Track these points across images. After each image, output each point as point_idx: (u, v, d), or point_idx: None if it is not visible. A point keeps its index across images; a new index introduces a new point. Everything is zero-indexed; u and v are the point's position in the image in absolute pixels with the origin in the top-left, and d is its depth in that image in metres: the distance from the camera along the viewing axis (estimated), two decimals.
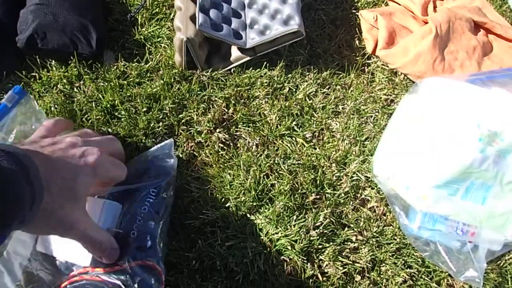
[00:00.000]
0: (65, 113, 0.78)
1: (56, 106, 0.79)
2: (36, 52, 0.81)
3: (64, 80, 0.81)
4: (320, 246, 0.73)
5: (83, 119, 0.78)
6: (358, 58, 0.93)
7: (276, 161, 0.79)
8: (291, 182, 0.77)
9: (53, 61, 0.83)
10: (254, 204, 0.75)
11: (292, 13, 0.80)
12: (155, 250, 0.63)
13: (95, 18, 0.84)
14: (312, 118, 0.84)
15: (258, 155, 0.79)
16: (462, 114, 0.73)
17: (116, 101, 0.80)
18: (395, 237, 0.76)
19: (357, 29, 0.96)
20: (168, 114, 0.81)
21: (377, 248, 0.74)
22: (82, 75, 0.82)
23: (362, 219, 0.77)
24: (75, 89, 0.81)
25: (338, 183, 0.79)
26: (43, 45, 0.79)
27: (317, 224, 0.74)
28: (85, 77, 0.82)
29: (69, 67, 0.82)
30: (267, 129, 0.82)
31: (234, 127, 0.82)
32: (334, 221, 0.75)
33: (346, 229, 0.75)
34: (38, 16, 0.79)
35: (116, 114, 0.80)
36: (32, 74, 0.81)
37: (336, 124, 0.85)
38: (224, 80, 0.85)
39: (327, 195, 0.78)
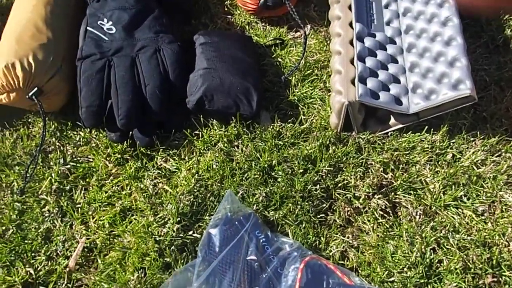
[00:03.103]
0: (225, 170, 0.85)
1: (216, 163, 0.87)
2: (202, 112, 0.91)
3: (225, 139, 0.90)
4: None
5: (242, 178, 0.85)
6: None
7: (443, 234, 0.77)
8: (461, 259, 0.74)
9: (214, 120, 0.92)
10: (422, 281, 0.73)
11: (463, 77, 0.81)
12: None
13: (255, 80, 0.93)
14: (482, 188, 0.81)
15: (423, 226, 0.78)
16: None
17: (274, 161, 0.86)
18: None
19: None
20: (324, 176, 0.84)
21: None
22: (241, 134, 0.90)
23: None
24: (234, 148, 0.89)
25: None
26: (210, 106, 0.89)
27: None
28: (244, 136, 0.89)
29: (229, 127, 0.91)
30: (430, 198, 0.81)
31: (393, 193, 0.82)
32: None
33: None
34: (206, 80, 0.90)
35: (273, 174, 0.85)
36: (196, 132, 0.91)
37: (511, 197, 0.80)
38: (381, 144, 0.87)
39: (505, 278, 0.73)
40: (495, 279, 0.73)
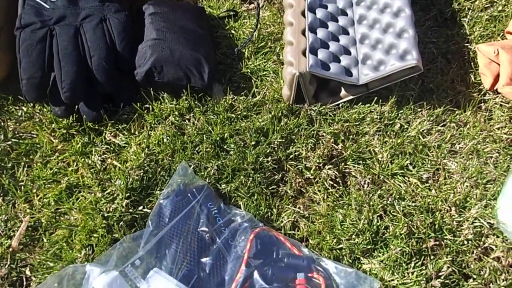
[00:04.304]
0: (176, 144, 0.84)
1: (167, 137, 0.85)
2: (151, 85, 0.89)
3: (176, 112, 0.88)
4: None
5: (194, 151, 0.84)
6: (474, 94, 0.92)
7: (389, 202, 0.79)
8: (406, 225, 0.76)
9: (165, 93, 0.90)
10: (369, 247, 0.75)
11: (409, 48, 0.82)
12: None
13: (207, 52, 0.91)
14: (427, 157, 0.84)
15: (370, 195, 0.80)
16: None
17: (226, 134, 0.85)
18: None
19: (471, 63, 0.96)
20: (276, 148, 0.84)
21: None
22: (193, 107, 0.88)
23: (487, 270, 0.74)
24: (186, 121, 0.88)
25: (459, 229, 0.77)
26: (160, 78, 0.87)
27: (439, 274, 0.72)
28: (196, 109, 0.88)
29: (181, 100, 0.89)
30: (379, 167, 0.83)
31: (343, 163, 0.84)
32: (456, 270, 0.73)
33: (469, 280, 0.73)
34: (156, 51, 0.87)
35: (225, 147, 0.85)
36: (146, 106, 0.89)
37: (453, 165, 0.83)
38: (333, 115, 0.88)
39: (446, 241, 0.76)
40: (437, 243, 0.76)
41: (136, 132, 0.87)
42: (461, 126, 0.88)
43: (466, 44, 0.98)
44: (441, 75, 0.94)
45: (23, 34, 0.84)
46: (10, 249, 0.76)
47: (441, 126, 0.88)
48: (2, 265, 0.75)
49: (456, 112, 0.90)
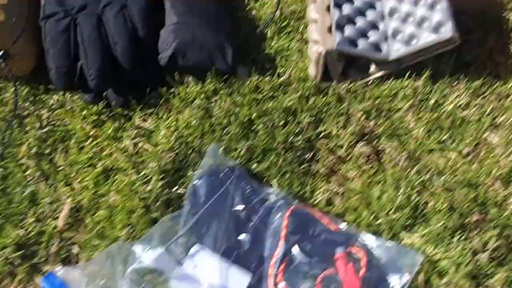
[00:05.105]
0: (205, 127, 0.83)
1: (195, 120, 0.84)
2: (176, 69, 0.88)
3: (202, 95, 0.87)
4: (489, 272, 0.68)
5: (223, 133, 0.82)
6: None
7: (428, 177, 0.76)
8: (447, 200, 0.73)
9: (190, 77, 0.89)
10: (408, 222, 0.72)
11: (444, 19, 0.78)
12: None
13: (230, 34, 0.90)
14: (466, 131, 0.80)
15: (407, 171, 0.77)
16: None
17: (253, 115, 0.84)
18: None
19: (511, 33, 0.91)
20: (306, 127, 0.82)
21: None
22: (218, 90, 0.87)
23: None
24: (212, 104, 0.86)
25: (506, 203, 0.73)
26: (183, 62, 0.86)
27: (485, 247, 0.68)
28: (221, 92, 0.87)
29: (206, 83, 0.88)
30: (414, 143, 0.79)
31: (376, 140, 0.81)
32: (504, 244, 0.69)
33: None
34: (178, 35, 0.86)
35: (254, 128, 0.83)
36: (171, 90, 0.88)
37: (496, 138, 0.79)
38: (363, 93, 0.85)
39: (491, 215, 0.72)
40: (482, 217, 0.72)
41: (164, 116, 0.87)
42: (503, 98, 0.84)
43: (503, 14, 0.93)
44: (478, 47, 0.90)
45: (47, 25, 0.85)
46: (57, 229, 0.77)
47: (481, 99, 0.84)
48: (51, 243, 0.76)
49: (496, 84, 0.85)
